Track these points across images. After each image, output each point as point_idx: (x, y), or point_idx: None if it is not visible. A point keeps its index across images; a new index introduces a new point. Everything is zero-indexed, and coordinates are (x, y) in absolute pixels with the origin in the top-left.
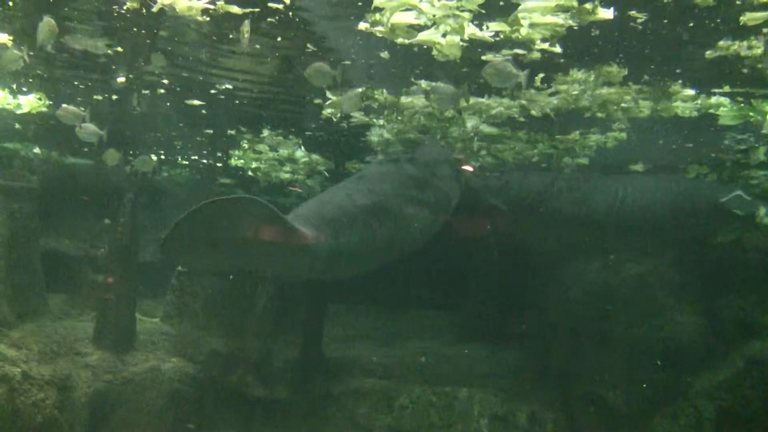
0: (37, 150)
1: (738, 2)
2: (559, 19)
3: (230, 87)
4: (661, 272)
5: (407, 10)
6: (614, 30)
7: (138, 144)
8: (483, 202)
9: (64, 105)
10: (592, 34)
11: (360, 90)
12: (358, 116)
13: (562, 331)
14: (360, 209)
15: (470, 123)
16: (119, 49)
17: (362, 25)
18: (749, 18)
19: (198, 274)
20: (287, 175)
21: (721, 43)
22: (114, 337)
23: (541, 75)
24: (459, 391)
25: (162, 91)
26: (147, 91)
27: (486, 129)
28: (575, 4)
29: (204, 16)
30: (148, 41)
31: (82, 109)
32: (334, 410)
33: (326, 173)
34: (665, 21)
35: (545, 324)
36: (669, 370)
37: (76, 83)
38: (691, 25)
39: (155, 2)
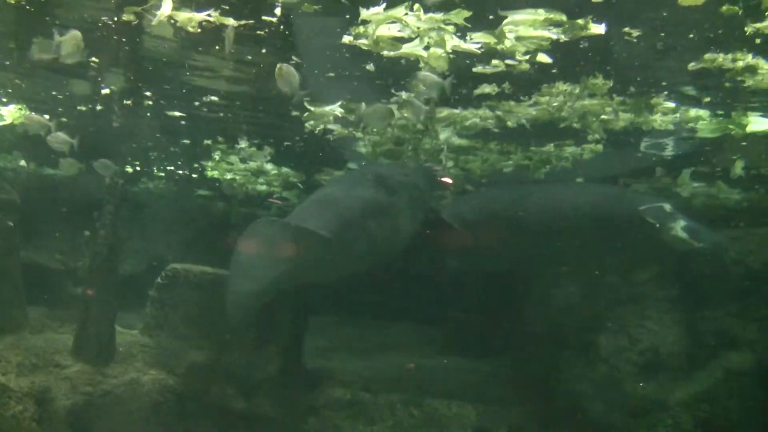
0: (22, 162)
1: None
2: (549, 33)
3: (215, 99)
4: (642, 284)
5: (392, 23)
6: (603, 42)
7: (116, 154)
8: (440, 220)
9: (30, 114)
10: (581, 47)
11: (386, 105)
12: (338, 129)
13: (544, 343)
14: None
15: (443, 135)
16: (94, 59)
17: (346, 38)
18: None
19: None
20: (263, 188)
21: (707, 55)
22: (93, 349)
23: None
24: (440, 404)
25: (149, 103)
26: (129, 102)
27: (457, 141)
28: (565, 18)
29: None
30: (128, 50)
31: (63, 119)
32: (315, 422)
33: (300, 185)
34: (662, 34)
35: (526, 336)
36: (649, 381)
37: (54, 93)
38: (691, 36)
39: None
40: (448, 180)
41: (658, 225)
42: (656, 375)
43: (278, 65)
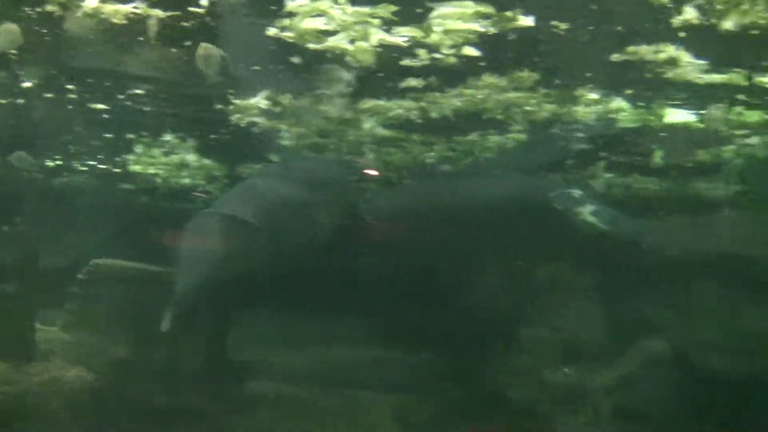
0: None
1: None
2: (477, 26)
3: (141, 92)
4: (563, 273)
5: (318, 15)
6: (532, 35)
7: (35, 148)
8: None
9: None
10: (509, 39)
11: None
12: (263, 122)
13: (467, 333)
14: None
15: (367, 125)
16: (14, 51)
17: (272, 30)
18: None
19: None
20: (187, 181)
21: (630, 48)
22: (12, 347)
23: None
24: (367, 395)
25: (73, 96)
26: (51, 95)
27: (381, 132)
28: (493, 11)
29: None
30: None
31: None
32: (242, 417)
33: (224, 179)
34: (590, 28)
35: (452, 327)
36: (569, 368)
37: None
38: (619, 28)
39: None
40: (373, 172)
41: (567, 211)
42: (576, 363)
43: (200, 44)
